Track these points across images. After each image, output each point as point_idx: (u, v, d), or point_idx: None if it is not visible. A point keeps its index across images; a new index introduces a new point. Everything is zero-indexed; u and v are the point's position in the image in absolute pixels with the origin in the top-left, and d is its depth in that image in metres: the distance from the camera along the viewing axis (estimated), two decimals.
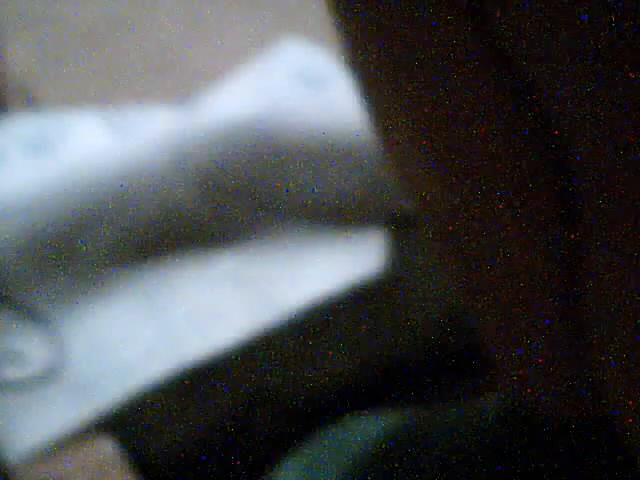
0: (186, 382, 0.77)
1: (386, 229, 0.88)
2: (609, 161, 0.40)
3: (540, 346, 0.53)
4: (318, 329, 0.80)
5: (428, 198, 0.50)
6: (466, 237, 0.50)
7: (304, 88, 0.93)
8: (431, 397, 0.78)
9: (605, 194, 0.41)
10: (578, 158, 0.41)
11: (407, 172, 0.50)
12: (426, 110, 0.45)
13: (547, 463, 0.60)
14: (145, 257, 0.86)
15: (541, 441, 0.60)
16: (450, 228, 0.50)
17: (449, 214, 0.49)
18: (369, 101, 0.49)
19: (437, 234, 0.52)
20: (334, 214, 0.88)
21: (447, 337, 0.79)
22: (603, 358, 0.47)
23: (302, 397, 0.76)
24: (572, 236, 0.44)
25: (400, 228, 0.87)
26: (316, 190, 0.87)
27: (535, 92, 0.43)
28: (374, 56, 0.46)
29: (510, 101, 0.44)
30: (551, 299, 0.50)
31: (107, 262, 0.85)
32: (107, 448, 0.73)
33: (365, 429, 0.68)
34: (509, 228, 0.48)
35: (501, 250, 0.49)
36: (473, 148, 0.46)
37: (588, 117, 0.40)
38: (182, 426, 0.74)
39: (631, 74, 0.38)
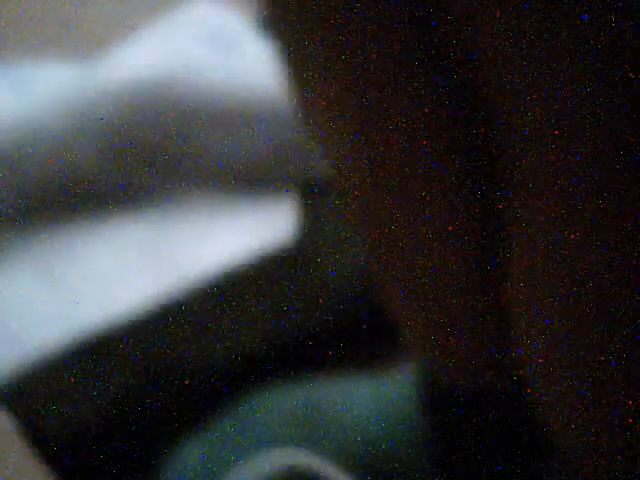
0: (85, 352, 0.73)
1: (298, 196, 0.85)
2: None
3: (458, 317, 0.53)
4: (226, 298, 0.76)
5: (346, 167, 0.50)
6: (382, 210, 0.50)
7: (215, 49, 0.89)
8: (343, 369, 0.77)
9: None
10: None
11: (327, 139, 0.50)
12: (350, 75, 0.45)
13: (464, 433, 0.60)
14: (41, 221, 0.81)
15: (455, 411, 0.60)
16: (366, 199, 0.50)
17: (366, 184, 0.49)
18: (289, 65, 0.49)
19: (352, 204, 0.51)
20: (244, 180, 0.84)
21: (361, 306, 0.77)
22: (524, 332, 0.48)
23: (205, 370, 0.73)
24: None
25: (313, 196, 0.85)
26: (226, 154, 0.84)
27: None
28: (295, 19, 0.45)
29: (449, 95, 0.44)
30: (472, 273, 0.50)
31: (0, 224, 0.81)
32: (0, 421, 0.70)
33: (274, 404, 0.67)
34: (428, 203, 0.48)
35: (418, 225, 0.49)
36: (399, 121, 0.46)
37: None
38: (80, 398, 0.71)
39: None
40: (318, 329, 0.75)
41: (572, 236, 0.43)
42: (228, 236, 0.82)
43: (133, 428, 0.71)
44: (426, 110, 0.45)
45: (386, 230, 0.51)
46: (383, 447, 0.62)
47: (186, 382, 0.72)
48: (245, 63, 0.87)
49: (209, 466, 0.66)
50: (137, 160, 0.83)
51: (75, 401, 0.72)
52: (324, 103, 0.47)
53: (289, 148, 0.86)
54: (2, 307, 0.78)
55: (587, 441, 0.46)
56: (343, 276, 0.77)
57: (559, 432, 0.48)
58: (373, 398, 0.64)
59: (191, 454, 0.67)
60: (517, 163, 0.43)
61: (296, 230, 0.82)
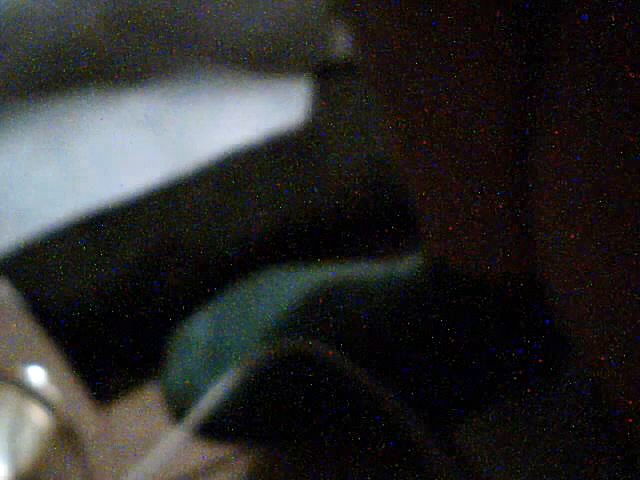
0: (91, 227, 0.71)
1: (310, 77, 0.81)
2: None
3: (472, 203, 0.52)
4: (234, 179, 0.73)
5: (376, 45, 0.48)
6: (412, 94, 0.48)
7: None
8: (350, 253, 0.75)
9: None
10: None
11: (357, 15, 0.48)
12: None
13: (468, 320, 0.60)
14: (46, 91, 0.77)
15: (464, 298, 0.60)
16: (394, 80, 0.48)
17: (397, 64, 0.47)
18: None
19: (380, 86, 0.50)
20: (257, 57, 0.81)
21: (370, 192, 0.74)
22: (541, 222, 0.46)
23: (214, 249, 0.71)
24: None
25: (326, 76, 0.81)
26: (238, 30, 0.80)
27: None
28: None
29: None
30: (499, 169, 0.49)
31: (2, 93, 0.78)
32: (3, 291, 0.68)
33: (279, 285, 0.66)
34: (462, 89, 0.47)
35: (448, 113, 0.48)
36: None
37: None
38: (86, 272, 0.70)
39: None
40: (329, 214, 0.73)
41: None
42: (239, 115, 0.78)
43: (138, 304, 0.69)
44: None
45: (414, 115, 0.49)
46: (391, 333, 0.62)
47: (195, 259, 0.70)
48: None
49: (215, 343, 0.65)
50: (144, 29, 0.79)
51: (80, 274, 0.69)
52: None
53: (307, 24, 0.81)
54: (6, 180, 0.74)
55: (601, 336, 0.45)
56: (358, 161, 0.75)
57: (573, 325, 0.46)
58: (385, 283, 0.63)
59: (198, 331, 0.66)
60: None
61: (311, 112, 0.78)
